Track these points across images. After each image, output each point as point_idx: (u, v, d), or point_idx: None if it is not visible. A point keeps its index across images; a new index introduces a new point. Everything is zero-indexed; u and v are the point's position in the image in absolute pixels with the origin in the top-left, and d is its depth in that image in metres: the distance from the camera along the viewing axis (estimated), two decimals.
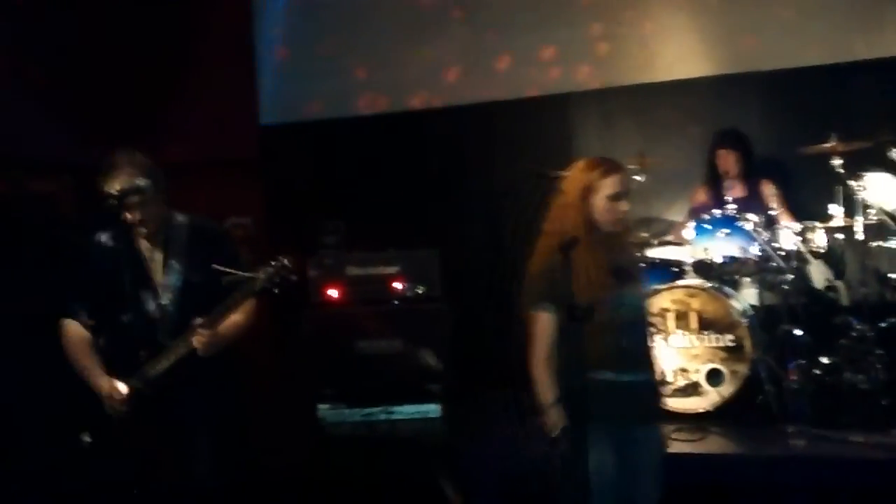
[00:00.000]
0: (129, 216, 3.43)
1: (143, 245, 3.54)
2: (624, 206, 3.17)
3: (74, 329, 3.53)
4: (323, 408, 5.05)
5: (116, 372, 3.45)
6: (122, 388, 3.42)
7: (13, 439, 4.68)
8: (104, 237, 3.56)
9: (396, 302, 5.25)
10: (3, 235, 5.30)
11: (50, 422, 4.29)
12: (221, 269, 3.37)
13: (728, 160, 5.47)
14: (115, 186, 3.39)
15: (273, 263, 3.39)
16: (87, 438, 3.47)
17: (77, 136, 5.65)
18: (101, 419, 3.43)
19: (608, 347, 3.03)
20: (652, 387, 3.26)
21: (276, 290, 3.40)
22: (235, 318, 3.48)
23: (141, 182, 3.41)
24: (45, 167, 5.67)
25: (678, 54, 6.04)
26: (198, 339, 3.37)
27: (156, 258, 3.54)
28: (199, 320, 3.38)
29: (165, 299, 3.50)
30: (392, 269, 5.30)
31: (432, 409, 5.01)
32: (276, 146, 6.66)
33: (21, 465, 4.53)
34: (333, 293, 5.29)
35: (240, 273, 3.42)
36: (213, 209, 4.95)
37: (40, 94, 5.82)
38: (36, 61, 5.86)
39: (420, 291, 5.24)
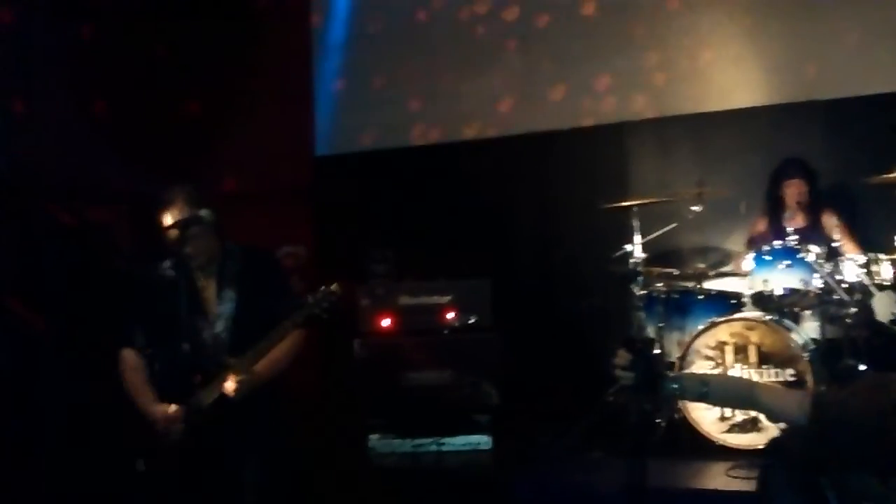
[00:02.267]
0: (183, 248, 3.48)
1: (198, 275, 3.58)
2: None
3: (131, 357, 3.59)
4: (373, 438, 5.02)
5: (169, 399, 3.46)
6: (175, 414, 3.43)
7: (70, 463, 4.74)
8: (160, 268, 3.62)
9: (446, 332, 5.21)
10: (65, 264, 5.40)
11: (106, 447, 4.34)
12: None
13: (800, 190, 5.34)
14: (169, 219, 3.48)
15: (321, 289, 3.39)
16: (141, 466, 3.49)
17: (135, 166, 5.75)
18: (154, 446, 3.44)
19: None
20: None
21: (325, 317, 3.39)
22: (277, 355, 3.47)
23: (194, 214, 3.47)
24: (104, 197, 5.79)
25: (736, 83, 5.95)
26: (228, 386, 3.37)
27: (209, 287, 3.57)
28: (231, 361, 3.39)
29: (218, 328, 3.52)
30: (444, 299, 5.26)
31: (483, 441, 4.95)
32: (330, 176, 6.71)
33: (76, 488, 4.59)
34: (385, 322, 5.27)
35: (289, 301, 3.44)
36: (266, 238, 5.00)
37: (101, 126, 5.96)
38: (97, 94, 6.00)
39: (472, 321, 5.19)
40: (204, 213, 3.49)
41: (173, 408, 3.43)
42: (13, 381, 4.89)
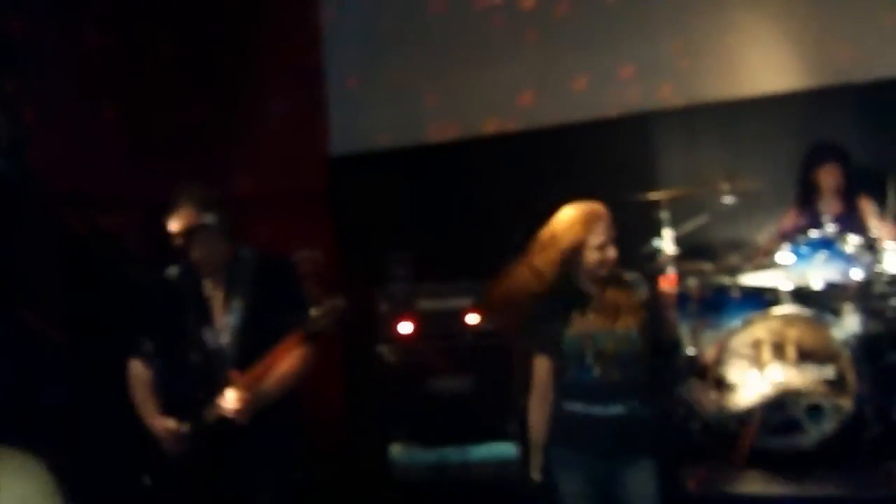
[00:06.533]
0: (190, 253, 3.33)
1: (206, 283, 3.42)
2: (611, 251, 3.28)
3: (137, 368, 3.46)
4: (394, 448, 4.86)
5: (175, 412, 3.33)
6: (177, 428, 3.29)
7: (75, 475, 4.63)
8: (168, 275, 3.48)
9: (469, 336, 5.04)
10: (75, 272, 5.31)
11: (116, 461, 4.24)
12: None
13: (836, 174, 5.16)
14: (175, 224, 3.32)
15: (325, 303, 3.21)
16: (147, 481, 3.37)
17: (146, 171, 5.66)
18: (160, 461, 3.33)
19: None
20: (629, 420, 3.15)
21: (329, 331, 3.22)
22: (284, 372, 3.29)
23: (201, 219, 3.30)
24: (115, 203, 5.70)
25: (765, 67, 5.74)
26: (229, 407, 3.19)
27: (217, 296, 3.41)
28: (233, 377, 3.21)
29: (224, 339, 3.36)
30: (465, 302, 5.09)
31: (509, 450, 4.78)
32: (346, 177, 6.57)
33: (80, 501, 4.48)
34: (405, 327, 5.11)
35: (299, 314, 3.27)
36: (282, 242, 4.87)
37: (111, 132, 5.87)
38: (107, 99, 5.92)
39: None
40: (209, 217, 3.32)
41: (175, 423, 3.29)
42: (22, 390, 4.81)
